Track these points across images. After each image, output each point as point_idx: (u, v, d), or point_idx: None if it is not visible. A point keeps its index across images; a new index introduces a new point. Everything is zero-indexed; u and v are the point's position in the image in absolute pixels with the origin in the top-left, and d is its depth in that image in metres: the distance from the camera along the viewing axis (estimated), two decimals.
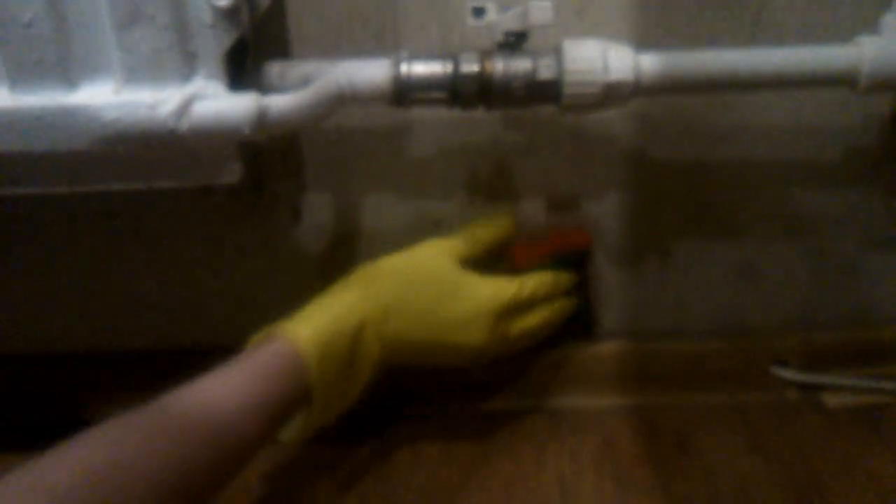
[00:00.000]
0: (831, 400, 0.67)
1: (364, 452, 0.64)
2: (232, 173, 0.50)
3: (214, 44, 0.47)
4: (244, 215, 0.65)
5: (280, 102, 0.48)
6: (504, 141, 0.63)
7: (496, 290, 0.56)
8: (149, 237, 0.66)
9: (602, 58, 0.52)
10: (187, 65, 0.47)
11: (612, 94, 0.52)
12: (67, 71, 0.47)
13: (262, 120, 0.47)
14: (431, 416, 0.67)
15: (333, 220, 0.66)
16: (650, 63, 0.52)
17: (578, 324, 0.66)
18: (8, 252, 0.67)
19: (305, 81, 0.51)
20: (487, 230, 0.61)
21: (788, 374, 0.68)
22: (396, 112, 0.55)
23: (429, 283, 0.55)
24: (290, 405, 0.49)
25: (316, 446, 0.57)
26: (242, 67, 0.52)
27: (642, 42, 0.54)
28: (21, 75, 0.47)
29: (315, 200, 0.65)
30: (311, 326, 0.50)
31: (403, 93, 0.52)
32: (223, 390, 0.45)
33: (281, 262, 0.67)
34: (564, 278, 0.62)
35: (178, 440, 0.42)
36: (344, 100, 0.51)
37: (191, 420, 0.43)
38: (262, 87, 0.52)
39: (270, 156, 0.63)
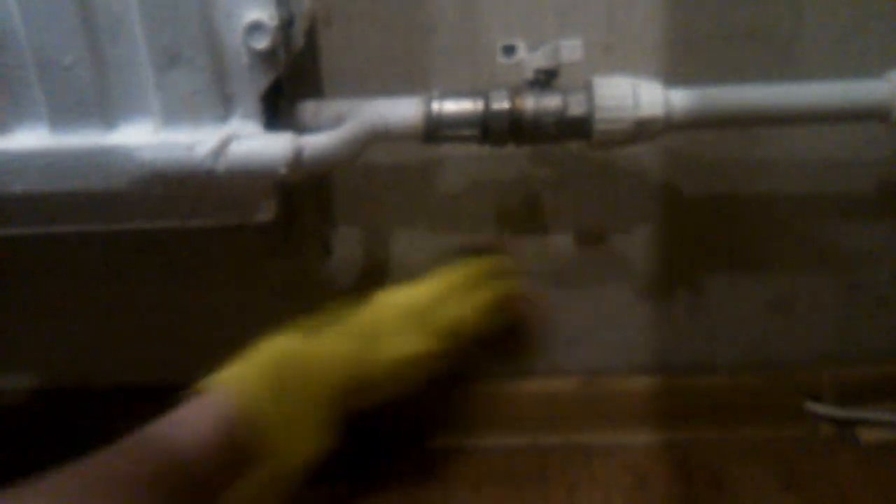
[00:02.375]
0: (867, 435, 0.66)
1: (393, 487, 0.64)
2: (267, 211, 0.51)
3: (251, 85, 0.48)
4: (275, 250, 0.66)
5: (315, 142, 0.49)
6: (533, 175, 0.63)
7: (411, 291, 0.54)
8: (181, 271, 0.67)
9: (632, 94, 0.52)
10: (224, 106, 0.48)
11: (643, 129, 0.52)
12: (107, 112, 0.48)
13: (297, 160, 0.48)
14: (460, 450, 0.67)
15: (363, 254, 0.66)
16: (680, 99, 0.53)
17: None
18: (41, 287, 0.68)
19: (338, 120, 0.52)
20: None
21: (822, 409, 0.67)
22: (426, 148, 0.56)
23: (359, 312, 0.53)
24: (243, 449, 0.45)
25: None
26: (277, 107, 0.52)
27: (671, 78, 0.54)
28: (62, 116, 0.48)
29: (345, 235, 0.66)
30: (244, 367, 0.49)
31: (435, 130, 0.53)
32: (176, 429, 0.44)
33: (311, 296, 0.67)
34: (484, 263, 0.57)
35: (126, 486, 0.40)
36: (377, 138, 0.52)
37: (143, 461, 0.42)
38: (296, 126, 0.53)
39: (301, 191, 0.63)
